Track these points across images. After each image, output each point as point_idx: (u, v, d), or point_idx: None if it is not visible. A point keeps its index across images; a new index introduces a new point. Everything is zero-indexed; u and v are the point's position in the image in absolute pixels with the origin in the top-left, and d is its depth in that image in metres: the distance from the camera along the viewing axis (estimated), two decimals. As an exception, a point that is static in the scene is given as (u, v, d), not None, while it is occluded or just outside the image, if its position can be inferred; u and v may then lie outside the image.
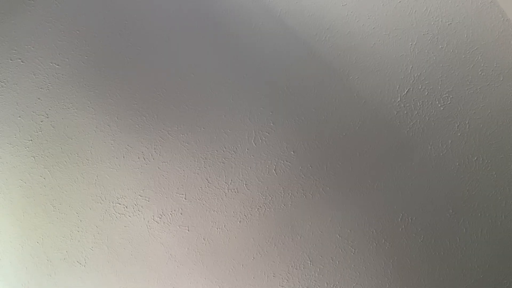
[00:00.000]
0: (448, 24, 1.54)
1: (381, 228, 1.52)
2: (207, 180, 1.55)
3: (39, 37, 1.58)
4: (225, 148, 1.56)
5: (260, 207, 1.54)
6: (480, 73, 1.52)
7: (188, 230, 1.55)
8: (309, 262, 1.53)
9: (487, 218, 1.50)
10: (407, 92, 1.54)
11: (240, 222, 1.54)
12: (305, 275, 1.53)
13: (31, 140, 1.56)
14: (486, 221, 1.50)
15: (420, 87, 1.54)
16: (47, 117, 1.57)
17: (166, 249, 1.55)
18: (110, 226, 1.55)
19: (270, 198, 1.54)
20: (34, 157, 1.56)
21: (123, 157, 1.56)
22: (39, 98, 1.57)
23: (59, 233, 1.55)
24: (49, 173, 1.56)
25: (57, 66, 1.58)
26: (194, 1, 1.60)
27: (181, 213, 1.55)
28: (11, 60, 1.57)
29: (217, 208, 1.55)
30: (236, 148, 1.55)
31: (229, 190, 1.55)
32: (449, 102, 1.53)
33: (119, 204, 1.55)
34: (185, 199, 1.55)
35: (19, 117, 1.57)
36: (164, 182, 1.55)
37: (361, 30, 1.56)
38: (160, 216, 1.55)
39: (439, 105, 1.53)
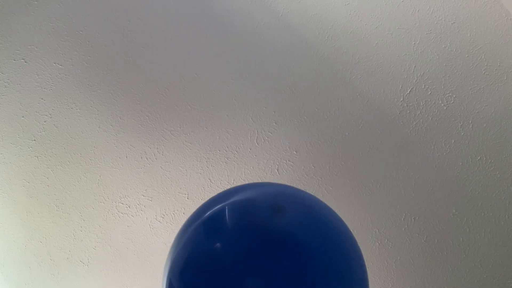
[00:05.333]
0: (451, 24, 1.54)
1: (384, 228, 1.51)
2: (209, 179, 1.55)
3: (43, 37, 1.59)
4: (227, 148, 1.56)
5: (263, 206, 1.54)
6: (483, 72, 1.52)
7: (190, 230, 1.55)
8: (311, 261, 1.53)
9: (491, 218, 1.50)
10: (410, 91, 1.53)
11: (242, 221, 1.54)
12: (308, 275, 1.52)
13: (35, 140, 1.57)
14: (490, 220, 1.50)
15: (423, 87, 1.53)
16: (50, 117, 1.57)
17: (169, 248, 1.55)
18: (113, 225, 1.55)
19: (273, 197, 1.54)
20: (37, 157, 1.56)
21: (126, 157, 1.56)
22: (42, 98, 1.57)
23: (62, 233, 1.56)
24: (52, 173, 1.56)
25: (60, 66, 1.58)
26: (197, 2, 1.60)
27: (183, 213, 1.55)
28: (14, 60, 1.58)
29: (219, 208, 1.55)
30: (238, 148, 1.55)
31: (232, 190, 1.55)
32: (452, 101, 1.52)
33: (122, 203, 1.56)
34: (187, 198, 1.55)
35: (23, 117, 1.57)
36: (166, 181, 1.56)
37: (363, 30, 1.56)
38: (163, 216, 1.55)
39: (442, 105, 1.52)
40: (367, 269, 1.52)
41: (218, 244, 0.77)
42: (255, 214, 0.78)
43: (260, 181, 1.54)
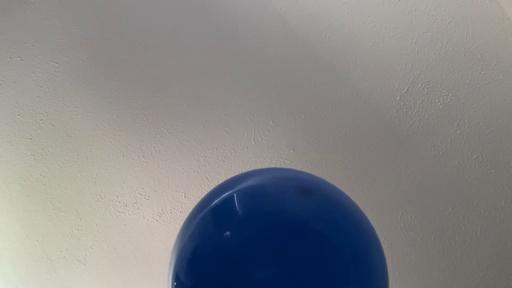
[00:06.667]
0: (448, 23, 1.54)
1: (381, 227, 1.52)
2: (206, 178, 1.55)
3: (39, 35, 1.58)
4: (224, 146, 1.56)
5: (260, 205, 1.54)
6: (480, 71, 1.52)
7: (187, 229, 1.55)
8: (308, 260, 1.53)
9: (487, 216, 1.50)
10: (406, 90, 1.54)
11: (239, 220, 1.54)
12: (305, 274, 1.52)
13: (31, 139, 1.56)
14: (486, 219, 1.50)
15: (419, 86, 1.53)
16: (47, 116, 1.56)
17: (166, 247, 1.55)
18: (109, 224, 1.55)
19: (270, 196, 1.54)
20: (33, 156, 1.56)
21: (123, 155, 1.56)
22: (38, 97, 1.57)
23: (59, 232, 1.56)
24: (48, 171, 1.56)
25: (56, 65, 1.58)
26: (194, 1, 1.60)
27: (180, 212, 1.55)
28: (10, 58, 1.57)
29: (216, 207, 1.55)
30: (235, 147, 1.55)
31: (229, 189, 1.55)
32: (448, 100, 1.53)
33: (119, 202, 1.55)
34: (184, 197, 1.55)
35: (19, 115, 1.56)
36: (163, 180, 1.55)
37: (360, 28, 1.56)
38: (160, 215, 1.55)
39: (439, 104, 1.53)
40: (364, 267, 1.52)
41: (229, 232, 0.72)
42: (273, 198, 0.74)
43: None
